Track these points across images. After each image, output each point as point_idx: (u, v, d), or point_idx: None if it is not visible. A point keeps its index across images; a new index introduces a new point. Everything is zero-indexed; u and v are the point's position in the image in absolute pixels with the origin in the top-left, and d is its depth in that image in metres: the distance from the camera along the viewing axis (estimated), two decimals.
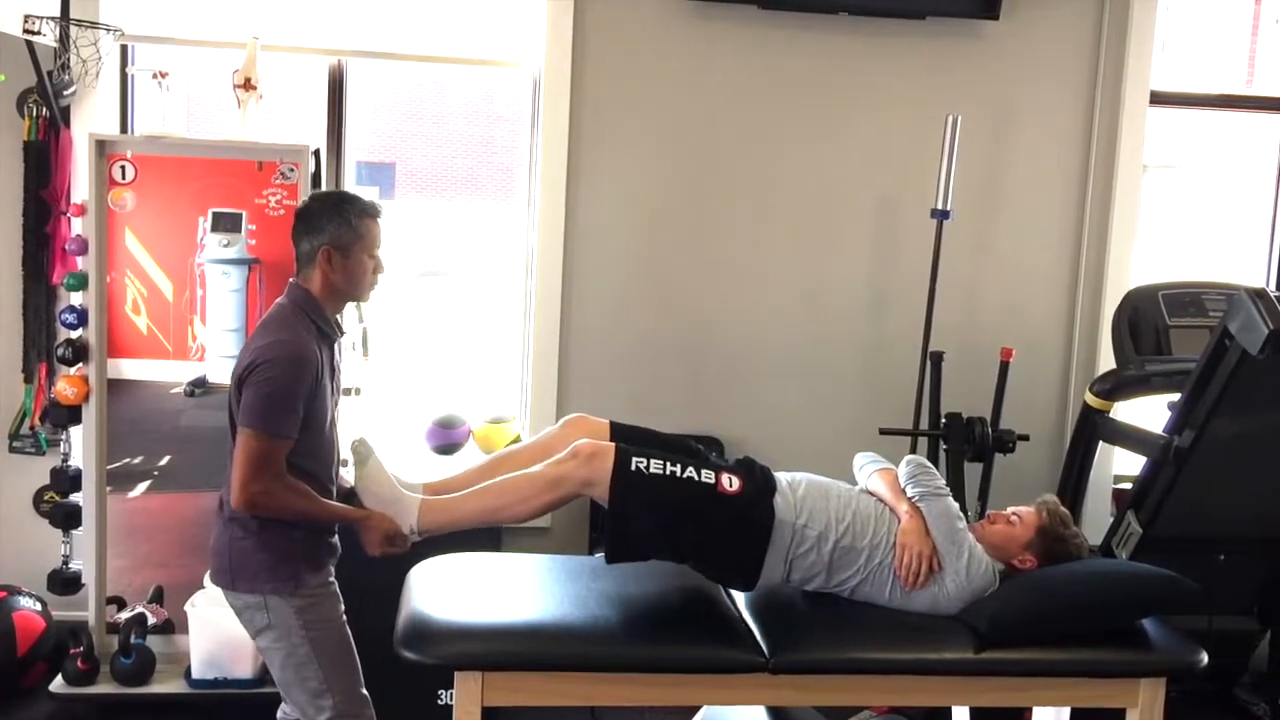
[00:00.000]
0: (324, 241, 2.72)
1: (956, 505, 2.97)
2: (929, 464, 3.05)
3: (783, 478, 2.99)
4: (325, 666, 2.74)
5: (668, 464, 2.83)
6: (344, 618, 2.84)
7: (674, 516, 2.81)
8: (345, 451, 2.93)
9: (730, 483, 2.86)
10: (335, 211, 2.74)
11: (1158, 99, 4.34)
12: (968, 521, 3.01)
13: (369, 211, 2.78)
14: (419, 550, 2.90)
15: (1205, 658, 2.86)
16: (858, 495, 3.01)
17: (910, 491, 2.97)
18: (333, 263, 2.73)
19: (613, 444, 2.85)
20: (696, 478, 2.83)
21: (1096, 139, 4.29)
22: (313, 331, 2.72)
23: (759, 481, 2.92)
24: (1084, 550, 3.10)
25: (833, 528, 2.88)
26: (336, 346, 2.83)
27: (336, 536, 2.89)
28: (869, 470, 3.11)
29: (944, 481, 3.02)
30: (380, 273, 2.83)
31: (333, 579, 2.84)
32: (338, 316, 2.84)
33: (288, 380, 2.61)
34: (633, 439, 2.99)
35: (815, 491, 2.95)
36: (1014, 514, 3.07)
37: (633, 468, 2.79)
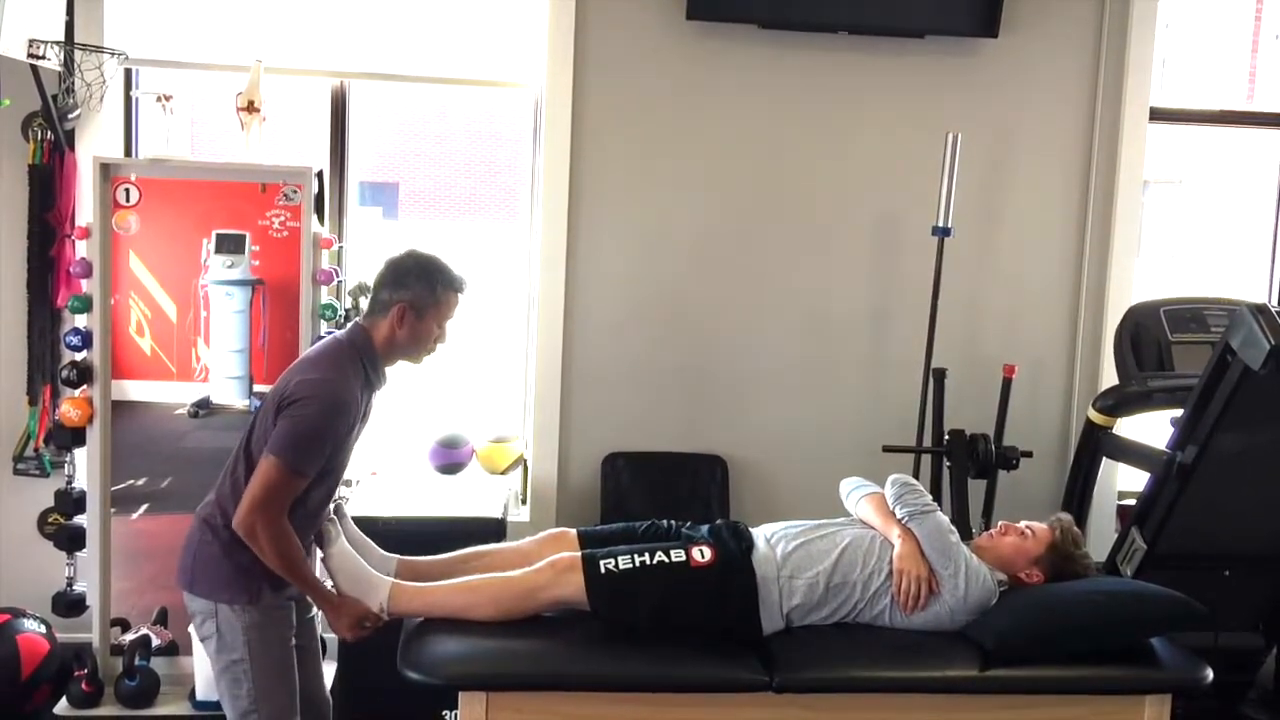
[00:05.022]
0: (403, 299, 2.75)
1: (946, 519, 2.98)
2: (914, 481, 3.06)
3: (760, 534, 3.01)
4: (258, 687, 2.73)
5: (635, 555, 2.87)
6: (293, 640, 2.82)
7: (657, 602, 2.83)
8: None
9: (702, 554, 2.89)
10: (425, 275, 2.78)
11: (1157, 115, 4.35)
12: (976, 532, 3.00)
13: (454, 285, 2.81)
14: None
15: (1211, 674, 2.86)
16: (843, 529, 3.02)
17: (899, 513, 2.97)
18: (404, 320, 2.76)
19: (579, 554, 2.89)
20: (667, 560, 2.87)
21: (1097, 155, 4.30)
22: (360, 376, 2.74)
23: (732, 545, 2.94)
24: (1091, 571, 3.13)
25: (821, 571, 2.90)
26: (375, 396, 2.85)
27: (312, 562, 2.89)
28: (856, 497, 3.12)
29: (931, 497, 3.03)
30: (441, 342, 2.86)
31: (293, 597, 2.82)
32: (387, 369, 2.84)
33: (323, 422, 2.64)
34: (601, 540, 3.02)
35: (795, 540, 2.96)
36: (1028, 528, 3.08)
37: (602, 571, 2.84)
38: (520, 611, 2.84)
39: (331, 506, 2.93)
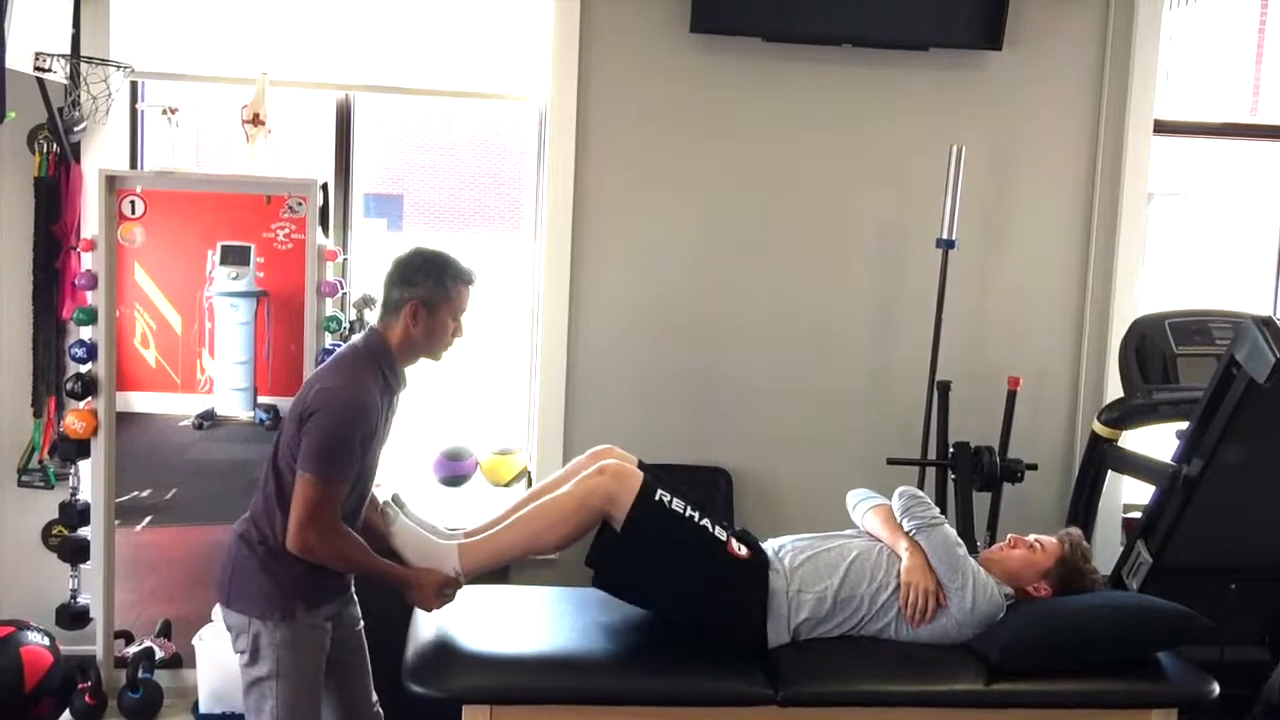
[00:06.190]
0: (414, 295, 2.76)
1: (954, 532, 2.97)
2: (921, 494, 3.06)
3: (768, 548, 3.01)
4: (283, 705, 2.72)
5: (689, 507, 2.85)
6: (323, 664, 2.81)
7: (680, 557, 2.82)
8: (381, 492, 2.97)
9: (739, 548, 2.89)
10: (433, 270, 2.78)
11: (1162, 128, 4.35)
12: (981, 545, 3.00)
13: (464, 278, 2.82)
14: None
15: (1216, 688, 2.86)
16: (850, 542, 3.01)
17: (906, 525, 2.97)
18: (417, 318, 2.76)
19: (641, 471, 2.87)
20: (710, 529, 2.86)
21: (1101, 168, 4.30)
22: (378, 379, 2.74)
23: (757, 553, 2.93)
24: (1099, 585, 3.13)
25: (829, 585, 2.90)
26: (396, 398, 2.85)
27: (351, 579, 2.90)
28: (863, 509, 3.12)
29: (939, 510, 3.02)
30: (459, 336, 2.86)
31: (328, 620, 2.82)
32: (406, 370, 2.85)
33: (346, 427, 2.65)
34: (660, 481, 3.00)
35: (802, 553, 2.96)
36: (1036, 541, 3.08)
37: (656, 497, 2.82)
38: (579, 526, 2.83)
39: (385, 498, 2.97)
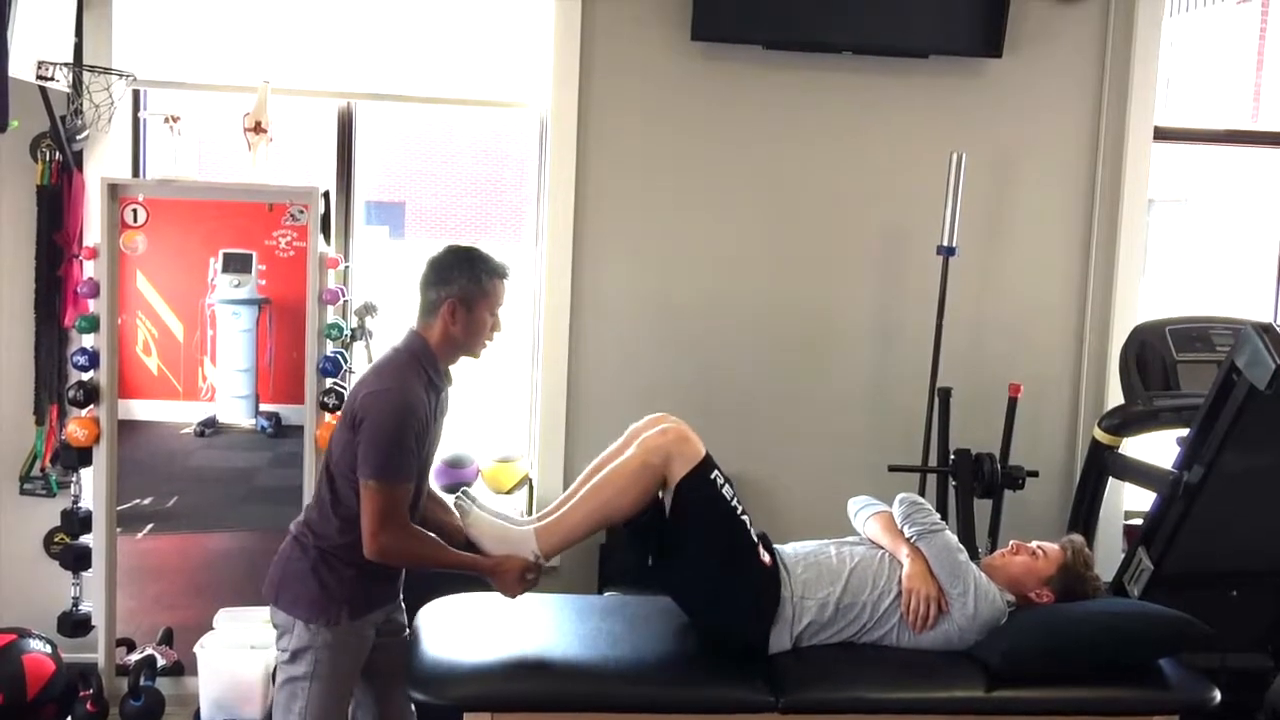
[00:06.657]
0: (451, 294, 2.76)
1: (955, 538, 2.98)
2: (922, 500, 3.06)
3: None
4: (312, 708, 2.73)
5: (737, 500, 2.86)
6: (359, 671, 2.82)
7: (715, 545, 2.83)
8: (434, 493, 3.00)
9: (765, 555, 2.90)
10: (467, 267, 2.78)
11: (1162, 134, 4.35)
12: (982, 552, 3.00)
13: (498, 272, 2.82)
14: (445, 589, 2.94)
15: (1218, 695, 2.85)
16: (852, 549, 3.01)
17: (908, 532, 2.97)
18: (455, 316, 2.76)
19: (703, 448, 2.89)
20: (747, 527, 2.88)
21: (1101, 174, 4.31)
22: (423, 379, 2.74)
23: (774, 559, 2.95)
24: (1101, 592, 3.13)
25: (832, 592, 2.90)
26: (444, 395, 2.85)
27: (401, 586, 2.92)
28: (864, 516, 3.12)
29: (939, 516, 3.03)
30: (497, 331, 2.86)
31: (373, 629, 2.82)
32: (450, 367, 2.85)
33: (398, 429, 2.65)
34: None
35: (806, 560, 2.96)
36: (1039, 548, 3.08)
37: (712, 475, 2.84)
38: (646, 488, 2.83)
39: (457, 493, 2.98)
